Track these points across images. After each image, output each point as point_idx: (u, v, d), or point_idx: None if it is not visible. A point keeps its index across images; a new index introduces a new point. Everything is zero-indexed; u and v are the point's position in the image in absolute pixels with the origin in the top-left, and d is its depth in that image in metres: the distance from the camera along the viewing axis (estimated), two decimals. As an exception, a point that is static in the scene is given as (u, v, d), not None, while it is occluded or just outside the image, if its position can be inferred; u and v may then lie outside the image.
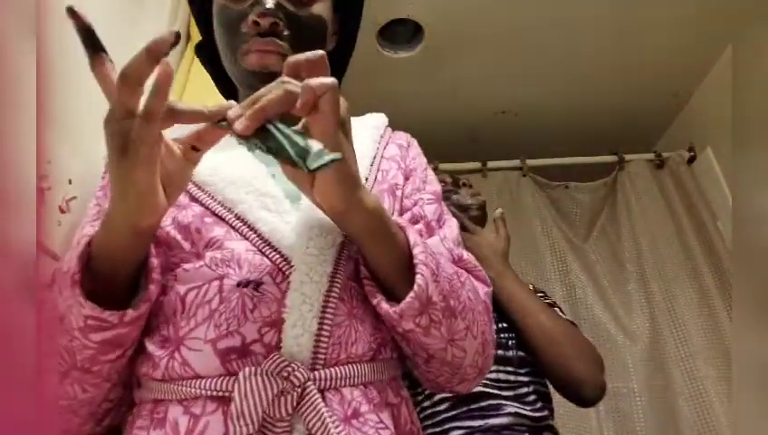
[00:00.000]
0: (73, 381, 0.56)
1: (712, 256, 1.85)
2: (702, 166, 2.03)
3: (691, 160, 2.08)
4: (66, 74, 0.75)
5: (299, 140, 0.47)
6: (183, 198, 0.64)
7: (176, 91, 1.06)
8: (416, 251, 0.56)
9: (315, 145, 0.46)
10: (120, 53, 1.01)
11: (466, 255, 0.68)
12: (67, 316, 0.53)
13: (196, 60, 1.13)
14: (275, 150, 0.47)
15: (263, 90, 0.48)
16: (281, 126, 0.48)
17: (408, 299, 0.55)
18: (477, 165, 2.06)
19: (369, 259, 0.59)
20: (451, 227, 0.71)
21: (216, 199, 0.63)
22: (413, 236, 0.58)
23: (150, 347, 0.59)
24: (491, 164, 2.05)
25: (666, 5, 1.73)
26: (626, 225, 2.00)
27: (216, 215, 0.62)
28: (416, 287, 0.55)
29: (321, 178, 0.51)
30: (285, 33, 0.68)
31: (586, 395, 1.11)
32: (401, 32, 1.85)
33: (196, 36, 1.19)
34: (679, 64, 1.97)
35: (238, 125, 0.46)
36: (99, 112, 0.83)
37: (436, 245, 0.64)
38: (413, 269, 0.56)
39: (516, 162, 2.08)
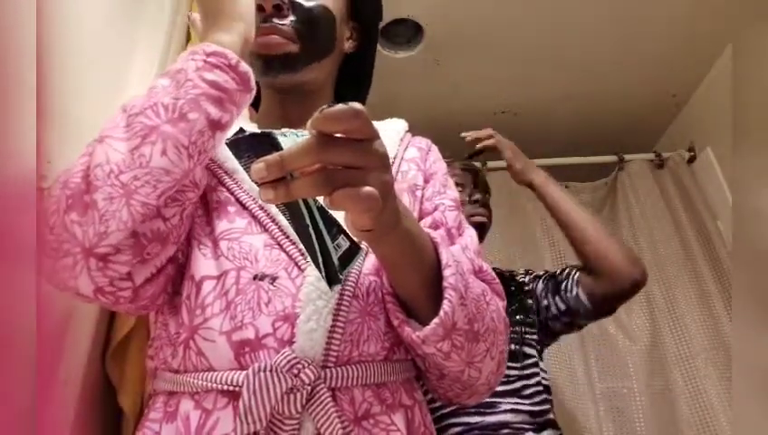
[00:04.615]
0: (157, 139, 0.53)
1: (712, 256, 1.85)
2: (702, 166, 2.03)
3: (691, 160, 2.08)
4: (66, 74, 0.74)
5: (326, 233, 0.44)
6: (211, 181, 0.66)
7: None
8: (446, 273, 0.54)
9: (343, 241, 0.45)
10: (121, 51, 1.01)
11: (486, 266, 0.67)
12: (180, 71, 0.57)
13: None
14: (297, 232, 0.45)
15: (295, 150, 0.40)
16: (311, 203, 0.44)
17: (432, 325, 0.53)
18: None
19: (395, 276, 0.58)
20: (471, 236, 0.70)
21: (242, 187, 0.65)
22: (446, 255, 0.56)
23: (171, 327, 0.60)
24: (491, 164, 2.04)
25: (665, 5, 1.73)
26: (626, 225, 2.00)
27: (240, 203, 0.64)
28: (441, 314, 0.53)
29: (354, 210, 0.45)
30: (290, 17, 0.71)
31: (637, 278, 1.22)
32: (401, 32, 1.85)
33: (196, 36, 1.19)
34: (679, 64, 1.97)
35: (263, 195, 0.40)
36: (99, 112, 0.82)
37: (458, 254, 0.63)
38: (441, 288, 0.54)
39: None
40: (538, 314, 1.31)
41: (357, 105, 0.40)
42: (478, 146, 1.47)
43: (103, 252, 0.52)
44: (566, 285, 1.28)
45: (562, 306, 1.27)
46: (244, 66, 0.59)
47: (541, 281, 1.36)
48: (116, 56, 0.93)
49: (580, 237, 1.27)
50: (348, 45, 0.81)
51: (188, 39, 1.21)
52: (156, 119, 0.53)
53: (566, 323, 1.29)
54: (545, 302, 1.30)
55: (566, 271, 1.33)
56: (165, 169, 0.53)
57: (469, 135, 1.48)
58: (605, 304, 1.25)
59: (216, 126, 0.56)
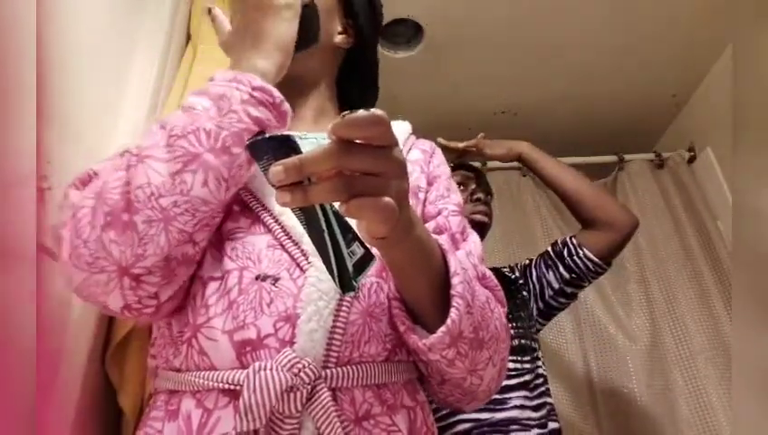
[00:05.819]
0: (198, 168, 0.54)
1: (712, 256, 1.85)
2: (702, 166, 2.03)
3: (691, 160, 2.08)
4: (66, 74, 0.75)
5: (341, 239, 0.44)
6: None
7: (177, 92, 1.05)
8: (455, 281, 0.55)
9: (358, 249, 0.45)
10: (120, 49, 1.01)
11: (489, 273, 0.68)
12: (222, 97, 0.57)
13: (198, 59, 1.13)
14: (312, 237, 0.45)
15: (314, 155, 0.40)
16: (327, 208, 0.44)
17: (439, 333, 0.54)
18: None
19: (402, 281, 0.58)
20: (475, 242, 0.70)
21: (246, 188, 0.65)
22: (454, 263, 0.56)
23: (175, 326, 0.60)
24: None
25: (666, 5, 1.73)
26: (626, 225, 2.00)
27: (244, 203, 0.64)
28: (449, 322, 0.53)
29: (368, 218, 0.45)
30: None
31: (632, 222, 1.33)
32: (401, 32, 1.85)
33: (196, 36, 1.19)
34: (679, 64, 1.97)
35: (280, 198, 0.40)
36: (99, 112, 0.82)
37: (463, 260, 0.63)
38: (447, 295, 0.55)
39: (516, 162, 2.08)
40: (537, 298, 1.33)
41: (379, 112, 0.40)
42: (461, 146, 1.52)
43: (137, 272, 0.54)
44: (569, 251, 1.33)
45: (567, 275, 1.32)
46: (286, 106, 0.61)
47: (533, 266, 1.40)
48: (116, 56, 0.93)
49: (576, 195, 1.35)
50: (340, 39, 0.80)
51: (188, 39, 1.21)
52: (198, 146, 0.55)
53: (568, 294, 1.34)
54: (546, 279, 1.35)
55: (560, 242, 1.38)
56: (204, 199, 0.55)
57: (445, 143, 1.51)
58: (610, 255, 1.33)
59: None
